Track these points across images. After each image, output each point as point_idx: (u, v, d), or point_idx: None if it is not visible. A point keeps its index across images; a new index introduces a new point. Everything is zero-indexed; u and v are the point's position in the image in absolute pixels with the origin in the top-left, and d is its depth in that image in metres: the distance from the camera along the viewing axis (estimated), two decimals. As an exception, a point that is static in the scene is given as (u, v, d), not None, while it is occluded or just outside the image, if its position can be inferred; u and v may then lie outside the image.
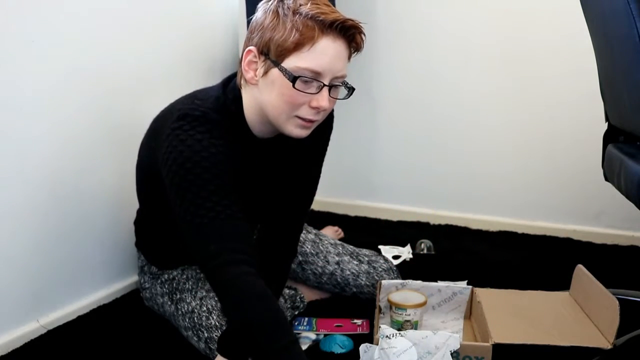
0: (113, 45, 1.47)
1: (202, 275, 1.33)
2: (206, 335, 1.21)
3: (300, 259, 1.46)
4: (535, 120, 2.02)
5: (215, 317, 1.22)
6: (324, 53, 1.03)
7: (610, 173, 1.26)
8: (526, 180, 2.08)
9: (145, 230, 1.38)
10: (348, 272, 1.45)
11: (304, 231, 1.50)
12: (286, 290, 1.42)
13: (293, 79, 1.03)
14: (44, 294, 1.35)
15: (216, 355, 1.13)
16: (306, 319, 1.40)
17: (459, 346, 1.09)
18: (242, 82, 1.13)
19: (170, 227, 1.19)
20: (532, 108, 2.02)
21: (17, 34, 1.22)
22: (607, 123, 1.37)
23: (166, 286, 1.35)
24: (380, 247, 1.88)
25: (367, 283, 1.45)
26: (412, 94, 2.16)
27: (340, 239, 1.76)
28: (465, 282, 1.59)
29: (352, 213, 2.27)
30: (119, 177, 1.50)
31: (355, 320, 1.38)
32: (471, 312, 1.39)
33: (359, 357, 1.14)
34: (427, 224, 2.17)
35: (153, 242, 1.38)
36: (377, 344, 1.12)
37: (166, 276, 1.36)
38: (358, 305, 1.44)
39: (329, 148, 1.33)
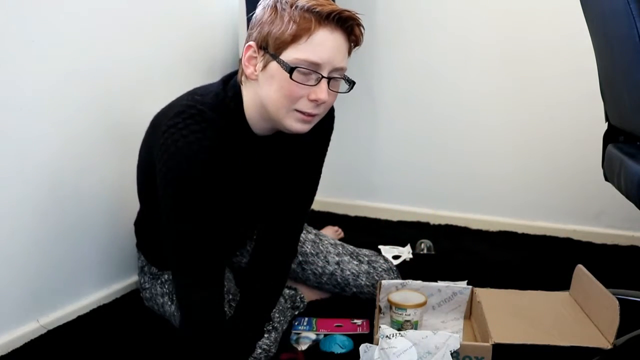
0: (113, 46, 1.47)
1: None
2: (206, 335, 1.21)
3: (300, 259, 1.46)
4: (535, 120, 2.02)
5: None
6: (322, 44, 1.02)
7: (610, 173, 1.26)
8: (526, 180, 2.08)
9: (146, 230, 1.38)
10: (348, 272, 1.45)
11: (304, 231, 1.50)
12: (286, 290, 1.42)
13: (290, 70, 1.02)
14: (44, 293, 1.35)
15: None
16: (306, 319, 1.40)
17: (459, 346, 1.09)
18: (242, 78, 1.12)
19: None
20: (532, 108, 2.02)
21: (17, 34, 1.22)
22: (607, 123, 1.37)
23: (166, 286, 1.35)
24: (380, 247, 1.88)
25: (367, 283, 1.45)
26: (412, 93, 2.16)
27: (340, 239, 1.76)
28: (465, 282, 1.59)
29: (352, 213, 2.27)
30: (119, 177, 1.50)
31: (355, 320, 1.38)
32: (471, 312, 1.39)
33: (359, 357, 1.15)
34: (427, 224, 2.17)
35: (153, 242, 1.37)
36: (377, 344, 1.12)
37: (166, 276, 1.36)
38: (358, 305, 1.44)
39: (329, 148, 1.33)
